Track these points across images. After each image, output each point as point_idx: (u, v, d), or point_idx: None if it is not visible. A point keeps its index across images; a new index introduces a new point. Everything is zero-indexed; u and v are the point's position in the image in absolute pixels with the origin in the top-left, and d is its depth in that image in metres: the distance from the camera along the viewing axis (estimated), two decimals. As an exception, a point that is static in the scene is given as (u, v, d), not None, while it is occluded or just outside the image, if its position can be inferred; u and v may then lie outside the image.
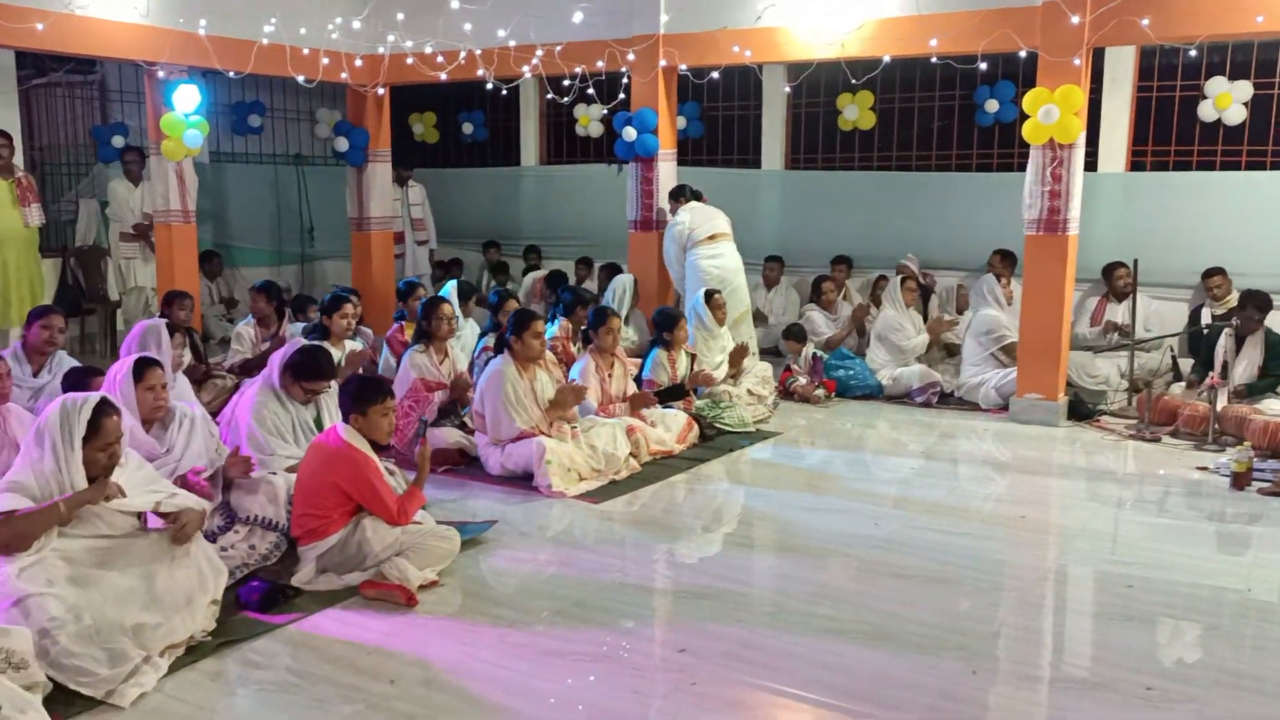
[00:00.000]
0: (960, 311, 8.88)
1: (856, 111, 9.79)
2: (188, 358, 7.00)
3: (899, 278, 8.33)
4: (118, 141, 9.88)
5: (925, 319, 8.66)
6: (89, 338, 9.80)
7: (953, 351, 8.52)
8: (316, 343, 5.43)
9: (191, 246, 8.56)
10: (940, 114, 9.68)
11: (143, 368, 4.40)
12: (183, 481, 4.25)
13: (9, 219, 7.81)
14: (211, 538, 4.24)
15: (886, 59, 7.45)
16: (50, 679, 3.21)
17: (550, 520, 5.18)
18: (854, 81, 8.10)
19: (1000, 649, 3.74)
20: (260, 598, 3.98)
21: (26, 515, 3.47)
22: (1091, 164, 8.31)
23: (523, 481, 5.64)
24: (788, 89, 9.71)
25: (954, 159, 9.67)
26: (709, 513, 5.43)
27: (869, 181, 9.79)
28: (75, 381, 5.01)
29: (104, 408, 3.68)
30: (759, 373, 7.56)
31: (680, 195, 8.27)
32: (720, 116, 10.71)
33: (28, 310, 7.55)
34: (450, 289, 7.32)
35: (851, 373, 8.10)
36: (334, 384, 5.07)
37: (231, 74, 7.90)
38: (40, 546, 3.48)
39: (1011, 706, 3.34)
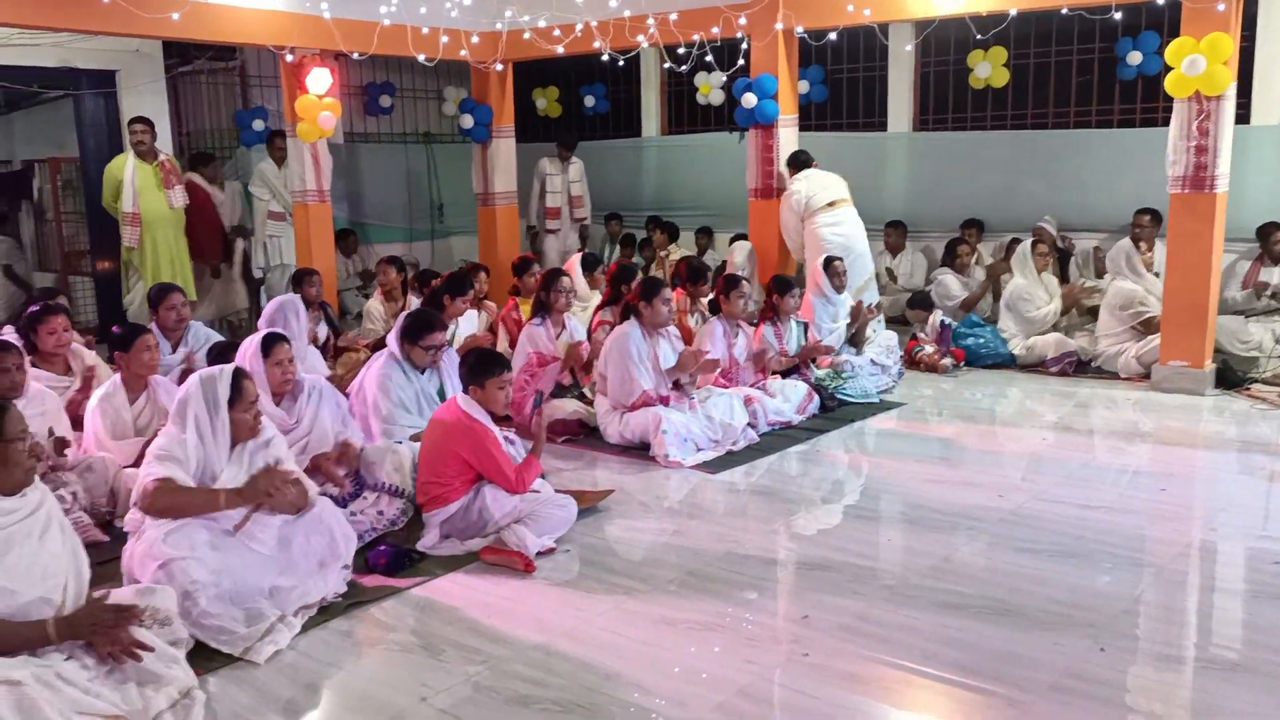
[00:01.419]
0: (1099, 275, 8.49)
1: (989, 69, 9.41)
2: (323, 332, 7.30)
3: (1029, 242, 8.00)
4: (258, 125, 10.31)
5: (1064, 283, 8.31)
6: (236, 314, 10.28)
7: (1096, 314, 8.11)
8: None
9: (327, 225, 8.88)
10: (1079, 68, 9.22)
11: (270, 343, 4.60)
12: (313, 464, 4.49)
13: (155, 201, 8.24)
14: (342, 504, 4.43)
15: (1013, 13, 7.10)
16: (192, 636, 3.40)
17: (667, 490, 5.20)
18: (979, 37, 7.75)
19: (1132, 627, 3.57)
20: (388, 561, 4.12)
21: (189, 491, 3.64)
22: (1244, 116, 7.80)
23: (640, 451, 5.68)
24: (909, 47, 9.42)
25: (1094, 115, 9.21)
26: (828, 484, 5.36)
27: (1002, 141, 9.42)
28: (219, 355, 5.31)
29: (240, 372, 3.90)
30: (883, 341, 7.39)
31: (796, 162, 8.15)
32: (845, 79, 10.46)
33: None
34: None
35: (982, 340, 7.83)
36: (453, 350, 5.21)
37: (355, 55, 8.12)
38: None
39: (1142, 686, 3.19)
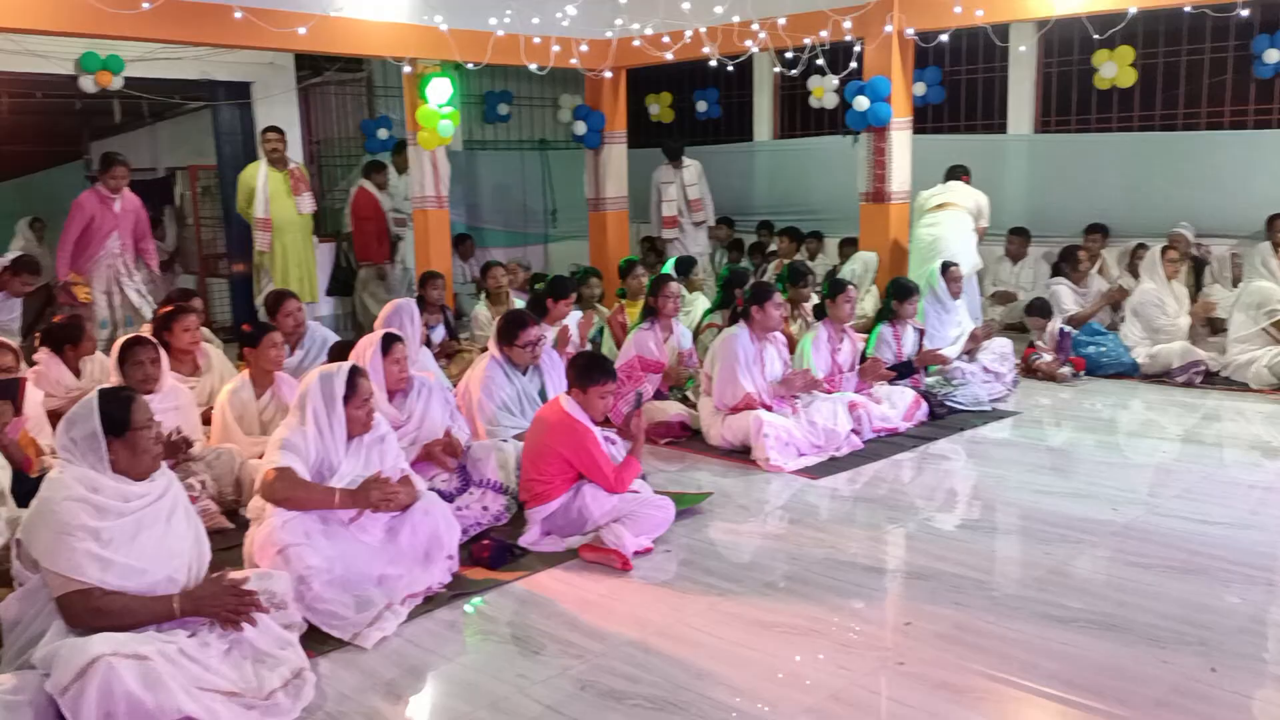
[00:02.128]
0: (1235, 283, 8.11)
1: (1115, 69, 9.10)
2: (439, 334, 7.53)
3: (1159, 247, 7.70)
4: (382, 134, 10.68)
5: (1196, 292, 7.97)
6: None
7: (1217, 329, 7.75)
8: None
9: (445, 230, 9.14)
10: (1212, 67, 8.84)
11: (389, 342, 4.79)
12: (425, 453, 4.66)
13: (285, 207, 8.63)
14: (449, 498, 4.58)
15: (1132, 11, 6.82)
16: (305, 620, 3.57)
17: (768, 494, 5.20)
18: (1095, 36, 7.47)
19: (1248, 646, 3.42)
20: (490, 555, 4.24)
21: (307, 486, 3.80)
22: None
23: (742, 455, 5.69)
24: (1023, 48, 9.19)
25: (1227, 115, 8.81)
26: (933, 492, 5.27)
27: (1128, 143, 9.11)
28: (338, 353, 5.54)
29: (356, 369, 4.08)
30: (996, 348, 7.21)
31: (947, 173, 8.42)
32: (963, 80, 10.25)
33: (305, 290, 8.36)
34: (669, 266, 7.44)
35: (1103, 349, 7.57)
36: (554, 351, 5.33)
37: (470, 65, 8.35)
38: None
39: (1254, 708, 3.07)
